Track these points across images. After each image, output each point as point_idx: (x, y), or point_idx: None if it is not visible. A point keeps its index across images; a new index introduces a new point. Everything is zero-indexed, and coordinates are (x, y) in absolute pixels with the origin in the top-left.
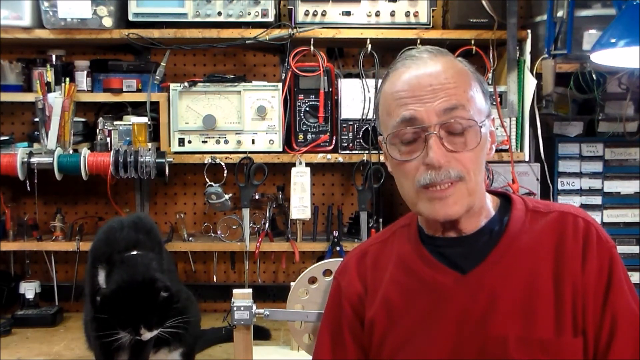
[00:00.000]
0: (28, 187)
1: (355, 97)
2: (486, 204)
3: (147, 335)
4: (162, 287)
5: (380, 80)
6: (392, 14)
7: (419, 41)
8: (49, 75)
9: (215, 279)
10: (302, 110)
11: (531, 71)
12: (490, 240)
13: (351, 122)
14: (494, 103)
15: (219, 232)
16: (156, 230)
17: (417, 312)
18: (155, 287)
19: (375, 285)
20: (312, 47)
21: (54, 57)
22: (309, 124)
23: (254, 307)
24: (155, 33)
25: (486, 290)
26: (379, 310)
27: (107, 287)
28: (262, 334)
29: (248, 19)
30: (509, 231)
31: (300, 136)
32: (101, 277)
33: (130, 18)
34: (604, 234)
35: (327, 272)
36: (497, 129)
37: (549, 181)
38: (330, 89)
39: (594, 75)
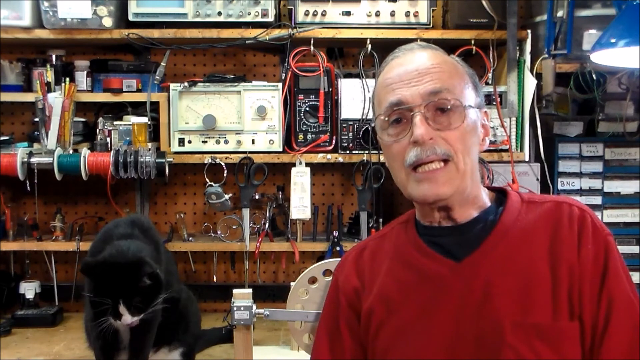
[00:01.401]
0: (28, 187)
1: (355, 97)
2: (481, 195)
3: (127, 318)
4: (147, 269)
5: None
6: (392, 14)
7: (418, 41)
8: (49, 75)
9: (215, 279)
10: (302, 110)
11: (531, 71)
12: (485, 228)
13: (351, 122)
14: (494, 103)
15: (219, 232)
16: (154, 230)
17: (413, 302)
18: (140, 267)
19: (372, 278)
20: (312, 47)
21: (54, 57)
22: (309, 124)
23: (254, 307)
24: (155, 33)
25: (481, 277)
26: (376, 301)
27: (92, 258)
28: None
29: (248, 19)
30: (503, 220)
31: (300, 136)
32: None
33: (130, 18)
34: (599, 222)
35: (327, 272)
36: (497, 128)
37: (549, 181)
38: (330, 89)
39: (594, 75)
